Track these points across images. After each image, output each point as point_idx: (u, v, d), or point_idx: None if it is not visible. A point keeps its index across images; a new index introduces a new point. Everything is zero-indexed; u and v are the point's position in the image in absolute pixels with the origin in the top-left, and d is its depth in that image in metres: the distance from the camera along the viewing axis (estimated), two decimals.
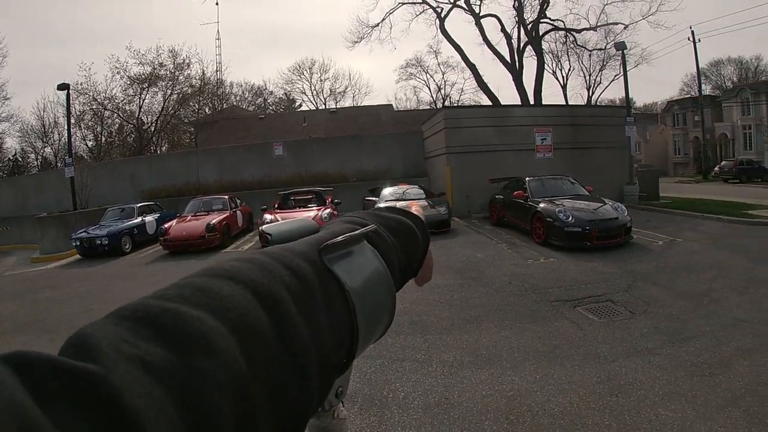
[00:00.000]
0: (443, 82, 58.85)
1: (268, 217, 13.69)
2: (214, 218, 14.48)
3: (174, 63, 39.52)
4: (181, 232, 13.75)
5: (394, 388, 4.58)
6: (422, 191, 15.84)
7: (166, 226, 14.23)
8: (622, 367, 4.93)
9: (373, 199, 16.02)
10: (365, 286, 0.50)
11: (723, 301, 6.93)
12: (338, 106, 51.56)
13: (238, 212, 16.67)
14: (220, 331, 0.33)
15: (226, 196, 17.13)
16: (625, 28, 35.74)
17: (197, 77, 42.87)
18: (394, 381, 4.72)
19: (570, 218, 10.59)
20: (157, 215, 17.39)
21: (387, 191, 15.48)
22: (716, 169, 42.81)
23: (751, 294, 7.22)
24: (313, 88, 59.77)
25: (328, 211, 14.16)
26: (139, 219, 16.26)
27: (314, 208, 15.20)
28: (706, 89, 56.28)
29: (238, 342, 0.33)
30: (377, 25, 35.92)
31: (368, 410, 4.17)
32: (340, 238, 0.50)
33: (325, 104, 56.65)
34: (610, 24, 35.84)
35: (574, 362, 5.08)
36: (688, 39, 44.21)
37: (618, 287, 7.71)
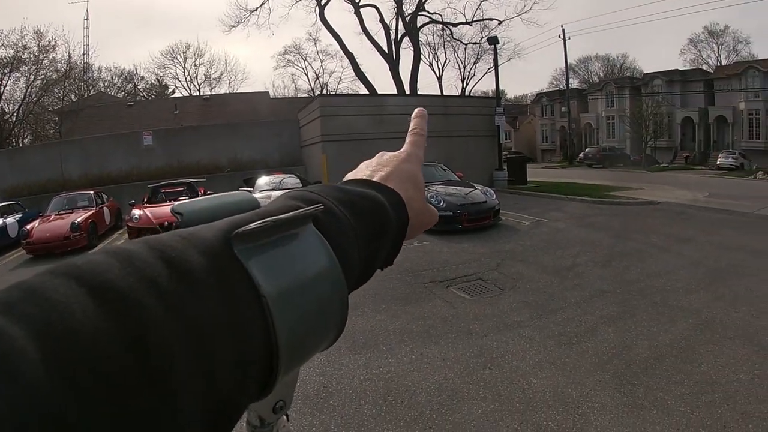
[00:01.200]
0: (321, 71, 58.63)
1: (136, 212, 12.98)
2: (80, 216, 13.44)
3: (39, 45, 36.16)
4: (45, 234, 12.63)
5: None
6: (298, 180, 15.62)
7: (28, 227, 13.01)
8: (493, 341, 5.13)
9: (248, 189, 15.63)
10: (296, 287, 0.37)
11: (587, 275, 7.40)
12: (213, 93, 49.99)
13: (104, 209, 15.63)
14: (29, 354, 0.24)
15: (92, 192, 16.04)
16: (499, 24, 37.22)
17: (63, 61, 39.72)
18: None
19: (441, 203, 10.93)
20: (19, 216, 15.82)
21: (262, 181, 15.17)
22: (581, 155, 46.35)
23: (612, 267, 7.77)
24: (186, 73, 57.37)
25: None
26: (0, 221, 14.86)
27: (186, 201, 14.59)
28: (574, 83, 60.56)
29: (59, 363, 0.24)
30: (256, 9, 34.98)
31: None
32: (254, 225, 0.36)
33: (199, 91, 54.45)
34: (486, 19, 37.29)
35: (448, 340, 5.21)
36: (559, 36, 47.12)
37: (488, 266, 8.03)
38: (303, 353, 0.38)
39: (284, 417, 0.51)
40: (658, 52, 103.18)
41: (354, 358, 4.89)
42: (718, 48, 57.15)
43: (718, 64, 53.26)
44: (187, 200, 0.44)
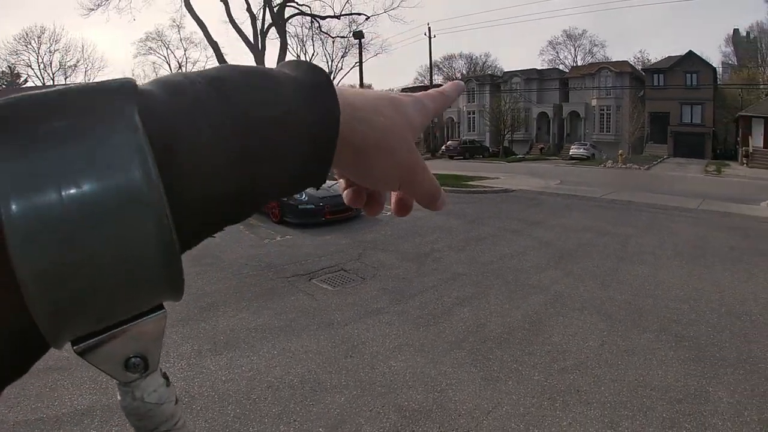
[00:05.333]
0: (185, 59, 56.17)
1: None
2: None
3: None
4: None
5: None
6: None
7: None
8: (354, 330, 5.21)
9: None
10: (71, 204, 0.23)
11: (444, 259, 7.69)
12: (68, 82, 46.95)
13: None
14: None
15: None
16: (367, 19, 37.55)
17: None
18: None
19: (303, 196, 10.84)
20: None
21: None
22: (443, 148, 47.97)
23: (468, 251, 8.12)
24: (40, 60, 53.59)
25: None
26: None
27: None
28: (438, 79, 62.38)
29: None
30: None
31: (108, 422, 3.73)
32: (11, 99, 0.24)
33: (53, 80, 51.24)
34: (354, 14, 37.45)
35: (310, 332, 5.21)
36: (425, 34, 48.33)
37: (350, 256, 8.12)
38: (90, 309, 0.25)
39: (159, 378, 0.35)
40: (519, 53, 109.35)
41: (215, 359, 4.74)
42: (575, 50, 62.89)
43: (574, 64, 57.66)
44: None
